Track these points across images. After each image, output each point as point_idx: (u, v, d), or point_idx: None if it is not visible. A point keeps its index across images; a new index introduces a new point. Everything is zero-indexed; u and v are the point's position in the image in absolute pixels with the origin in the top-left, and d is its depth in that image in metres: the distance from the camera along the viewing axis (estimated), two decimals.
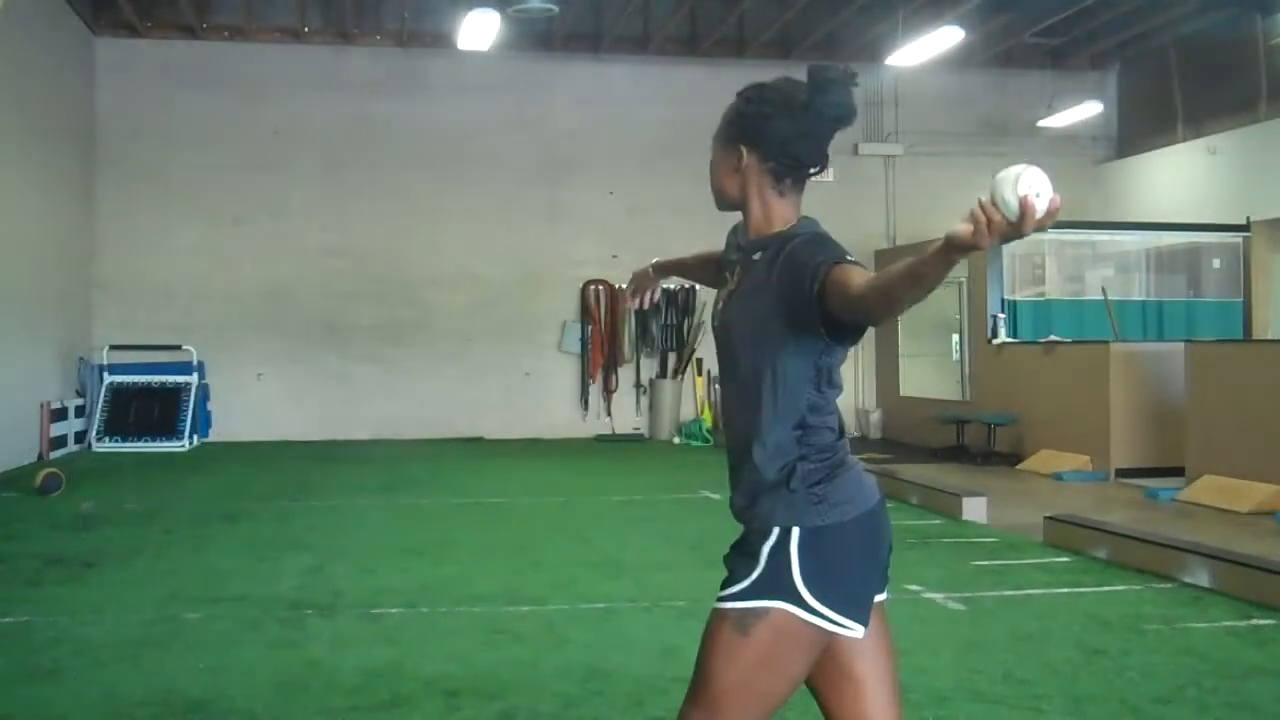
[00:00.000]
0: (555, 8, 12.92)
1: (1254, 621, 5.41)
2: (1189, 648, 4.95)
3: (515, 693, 4.29)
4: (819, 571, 2.15)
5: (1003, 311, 13.22)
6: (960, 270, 14.11)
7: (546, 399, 15.72)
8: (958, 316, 14.56)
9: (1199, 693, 4.32)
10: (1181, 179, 15.60)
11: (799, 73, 2.37)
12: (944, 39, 13.39)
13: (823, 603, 2.14)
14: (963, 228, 1.78)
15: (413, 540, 7.63)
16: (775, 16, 15.23)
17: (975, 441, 12.71)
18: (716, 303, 2.42)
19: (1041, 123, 16.56)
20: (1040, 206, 1.74)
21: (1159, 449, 10.87)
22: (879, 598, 2.27)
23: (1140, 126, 16.70)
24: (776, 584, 2.15)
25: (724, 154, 2.34)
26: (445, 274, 15.64)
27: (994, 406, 12.88)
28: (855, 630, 2.19)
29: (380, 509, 9.22)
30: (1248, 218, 13.83)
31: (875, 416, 16.15)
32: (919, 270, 1.89)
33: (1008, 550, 7.31)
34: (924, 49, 13.77)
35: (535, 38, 15.52)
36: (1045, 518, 7.64)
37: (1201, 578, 6.10)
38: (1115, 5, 14.39)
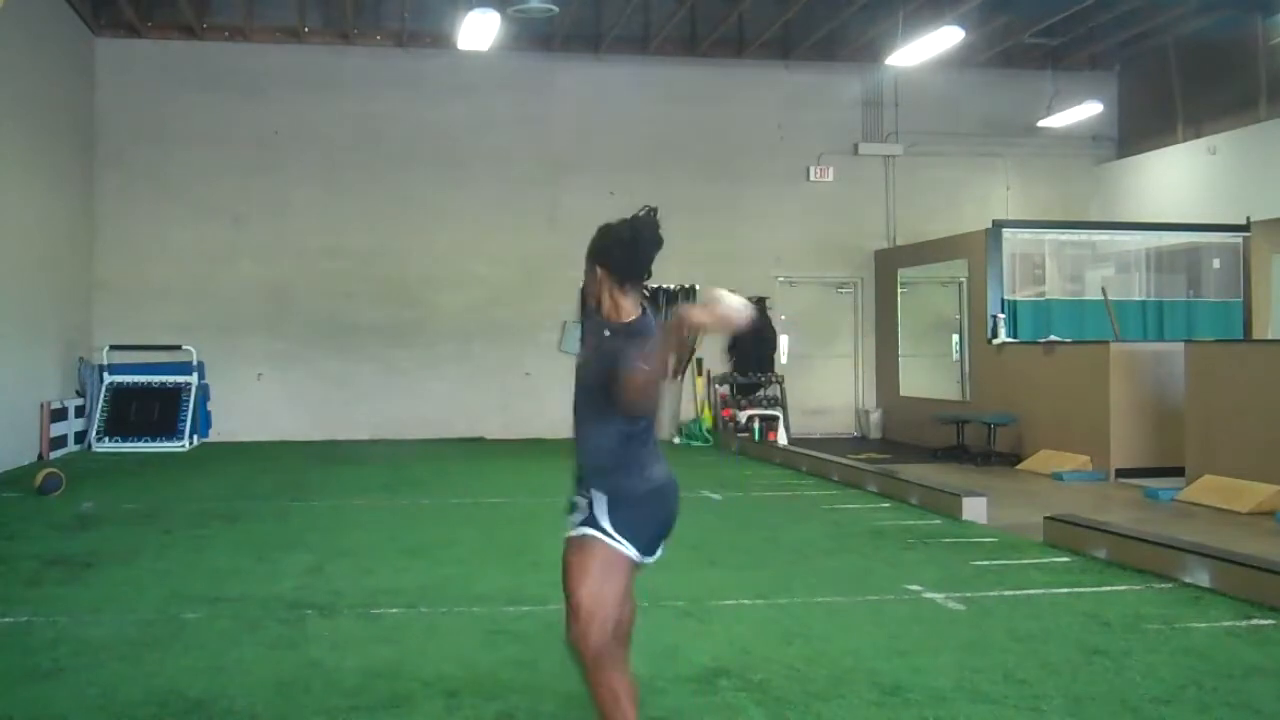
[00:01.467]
0: (555, 8, 12.92)
1: (1254, 621, 5.41)
2: (1189, 648, 4.96)
3: (515, 693, 4.29)
4: (621, 516, 3.38)
5: (1003, 311, 13.22)
6: (960, 270, 14.14)
7: (546, 399, 15.70)
8: (957, 316, 14.57)
9: (1199, 692, 4.32)
10: (1181, 179, 15.60)
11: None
12: (944, 39, 13.37)
13: (623, 535, 3.37)
14: (696, 313, 3.17)
15: (413, 540, 7.63)
16: (775, 16, 15.23)
17: (975, 442, 12.71)
18: (579, 355, 3.62)
19: (1041, 123, 16.57)
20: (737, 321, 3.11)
21: (1159, 449, 10.87)
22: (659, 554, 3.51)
23: (1140, 126, 16.71)
24: (594, 523, 3.38)
25: (590, 270, 3.54)
26: (445, 274, 15.64)
27: (994, 406, 12.88)
28: (632, 554, 3.39)
29: (380, 509, 9.22)
30: (1248, 218, 13.83)
31: (875, 416, 16.15)
32: (656, 358, 3.30)
33: (1008, 550, 7.31)
34: (924, 49, 13.76)
35: (535, 38, 15.53)
36: (1045, 518, 7.64)
37: (1201, 578, 6.10)
38: (1115, 5, 14.39)
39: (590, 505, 3.43)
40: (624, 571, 3.42)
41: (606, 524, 3.38)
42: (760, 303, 16.02)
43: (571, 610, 3.37)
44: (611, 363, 3.33)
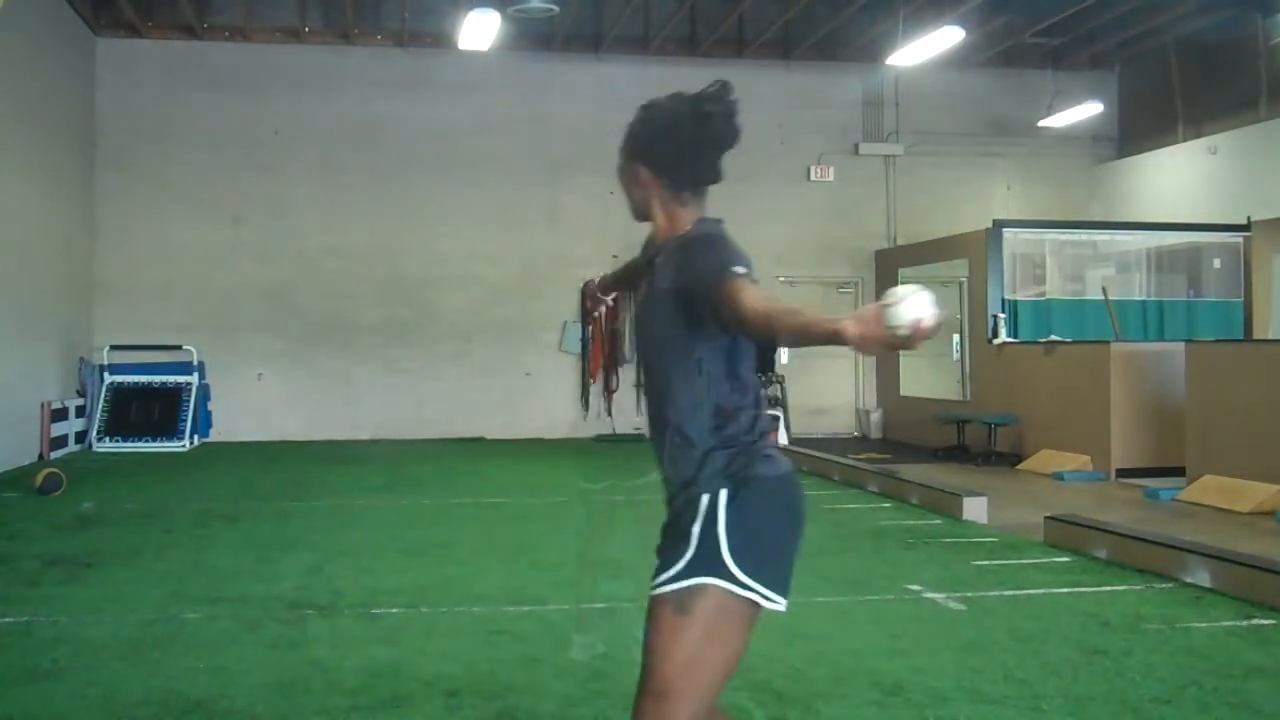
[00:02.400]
0: (555, 8, 12.92)
1: (1254, 621, 5.41)
2: (1189, 648, 4.95)
3: (515, 693, 4.29)
4: (744, 530, 2.41)
5: (1003, 311, 13.22)
6: (960, 270, 14.14)
7: (547, 399, 15.73)
8: (958, 316, 14.56)
9: (1199, 692, 4.32)
10: (1181, 179, 15.60)
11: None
12: (944, 39, 13.38)
13: (745, 567, 2.38)
14: (853, 328, 1.98)
15: (413, 540, 7.63)
16: (775, 16, 15.23)
17: (975, 441, 12.71)
18: (635, 311, 2.60)
19: (1041, 123, 16.57)
20: (927, 328, 1.95)
21: (1159, 449, 10.87)
22: None
23: (1140, 126, 16.71)
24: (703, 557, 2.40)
25: (627, 168, 2.56)
26: (445, 274, 15.64)
27: (994, 406, 12.88)
28: (760, 596, 2.38)
29: (380, 509, 9.22)
30: (1248, 218, 13.82)
31: (875, 416, 16.15)
32: (807, 333, 2.11)
33: (1008, 550, 7.31)
34: (924, 49, 13.76)
35: (535, 38, 15.53)
36: (1045, 518, 7.64)
37: (1201, 578, 6.10)
38: (1115, 5, 14.38)
39: (690, 529, 2.35)
40: (740, 625, 2.36)
41: (725, 551, 2.33)
42: None
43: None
44: (689, 285, 2.33)
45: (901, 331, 1.94)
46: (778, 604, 2.38)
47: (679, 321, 2.38)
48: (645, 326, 2.51)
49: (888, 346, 1.97)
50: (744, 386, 2.43)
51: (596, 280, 3.20)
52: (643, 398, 2.60)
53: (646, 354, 2.53)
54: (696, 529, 2.35)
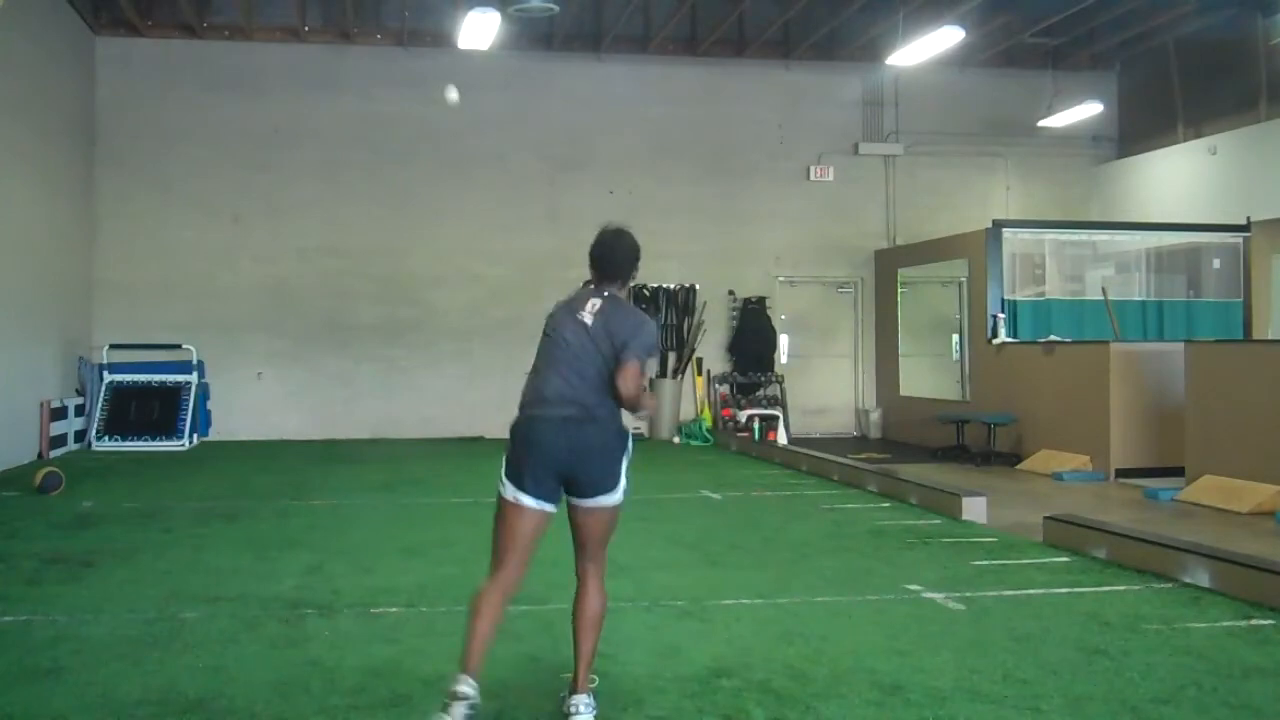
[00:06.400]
0: (555, 7, 12.93)
1: (1253, 621, 5.41)
2: (1188, 648, 4.95)
3: (515, 692, 4.29)
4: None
5: (1003, 311, 13.22)
6: (960, 270, 14.14)
7: None
8: (957, 316, 14.56)
9: (1198, 693, 4.32)
10: (1181, 179, 15.60)
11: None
12: (944, 39, 13.38)
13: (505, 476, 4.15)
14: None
15: (412, 540, 7.63)
16: (775, 16, 15.24)
17: (975, 441, 12.71)
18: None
19: (1041, 123, 16.57)
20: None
21: (1159, 449, 10.87)
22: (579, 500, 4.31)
23: (1140, 126, 16.71)
24: None
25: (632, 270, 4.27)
26: (445, 274, 15.64)
27: (994, 406, 12.88)
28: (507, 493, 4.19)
29: (380, 509, 9.22)
30: (1248, 218, 13.83)
31: (875, 416, 16.15)
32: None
33: (1007, 550, 7.31)
34: (924, 49, 13.76)
35: (535, 37, 15.53)
36: (1045, 518, 7.63)
37: (1201, 578, 6.10)
38: (1115, 5, 14.39)
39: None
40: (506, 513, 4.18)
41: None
42: (760, 302, 16.03)
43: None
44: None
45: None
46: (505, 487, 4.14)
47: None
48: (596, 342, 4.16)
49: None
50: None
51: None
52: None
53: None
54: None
